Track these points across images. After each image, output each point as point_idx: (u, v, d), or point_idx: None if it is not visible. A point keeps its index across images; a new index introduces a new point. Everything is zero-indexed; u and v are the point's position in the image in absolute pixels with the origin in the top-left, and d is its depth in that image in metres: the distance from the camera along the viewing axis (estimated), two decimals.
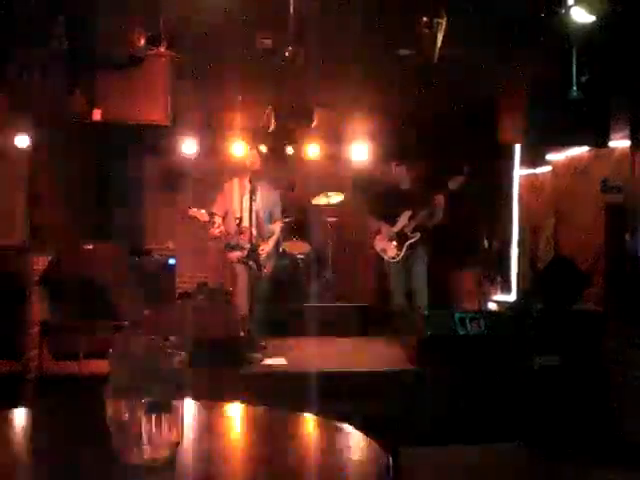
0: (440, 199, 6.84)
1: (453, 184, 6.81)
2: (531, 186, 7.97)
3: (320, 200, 8.87)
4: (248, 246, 6.23)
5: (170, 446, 1.56)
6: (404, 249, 7.02)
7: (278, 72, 5.93)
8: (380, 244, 7.19)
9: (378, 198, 7.43)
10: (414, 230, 6.99)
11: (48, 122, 5.83)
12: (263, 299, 6.53)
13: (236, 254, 6.35)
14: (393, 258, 7.08)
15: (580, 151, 6.92)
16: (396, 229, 7.05)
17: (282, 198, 6.95)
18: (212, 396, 2.20)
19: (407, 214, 7.02)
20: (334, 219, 8.94)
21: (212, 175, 9.48)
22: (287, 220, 8.21)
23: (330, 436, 1.92)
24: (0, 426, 1.99)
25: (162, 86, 5.78)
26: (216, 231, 6.20)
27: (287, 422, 2.07)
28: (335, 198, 8.91)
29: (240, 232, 6.28)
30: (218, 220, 6.22)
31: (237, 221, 6.29)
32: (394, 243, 7.05)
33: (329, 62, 6.34)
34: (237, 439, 1.94)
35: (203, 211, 6.21)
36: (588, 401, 5.41)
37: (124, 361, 1.58)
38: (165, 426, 1.54)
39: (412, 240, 7.00)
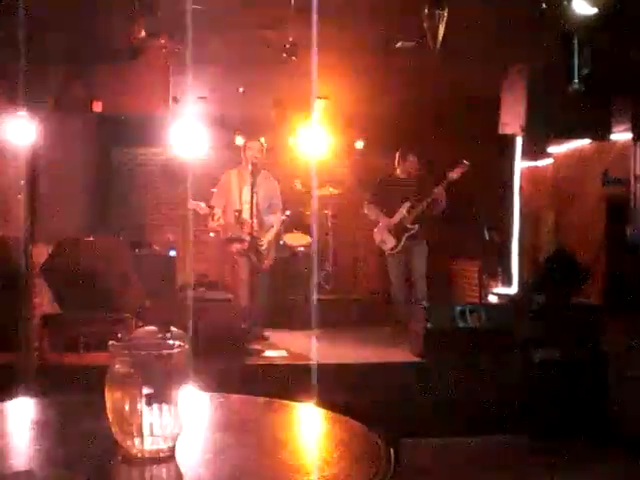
0: (440, 190, 6.83)
1: (453, 174, 6.81)
2: (532, 178, 7.96)
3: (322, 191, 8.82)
4: (248, 238, 6.22)
5: (171, 437, 1.56)
6: (403, 241, 7.02)
7: (279, 64, 5.91)
8: (379, 235, 7.19)
9: (378, 189, 7.42)
10: (413, 222, 6.99)
11: (49, 113, 5.82)
12: (264, 291, 6.53)
13: (236, 246, 6.35)
14: (392, 250, 7.08)
15: (582, 144, 6.92)
16: (395, 221, 7.04)
17: (282, 189, 6.94)
18: (213, 388, 2.20)
19: (406, 206, 7.02)
20: (334, 211, 8.94)
21: (213, 167, 9.50)
22: (288, 213, 8.21)
23: (331, 427, 1.92)
24: (0, 417, 1.99)
25: (162, 78, 5.76)
26: (215, 224, 6.19)
27: (288, 414, 2.07)
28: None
29: (240, 224, 6.26)
30: (218, 212, 6.20)
31: (236, 213, 6.27)
32: (393, 235, 7.05)
33: (330, 54, 6.33)
34: (237, 430, 1.94)
35: (202, 204, 6.20)
36: (587, 394, 5.41)
37: (124, 353, 1.58)
38: (166, 417, 1.54)
39: (411, 232, 6.99)
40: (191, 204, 6.21)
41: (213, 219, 6.16)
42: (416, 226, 6.99)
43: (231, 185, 6.44)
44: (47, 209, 6.11)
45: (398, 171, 7.28)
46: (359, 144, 9.66)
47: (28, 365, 5.12)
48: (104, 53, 5.52)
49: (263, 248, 6.34)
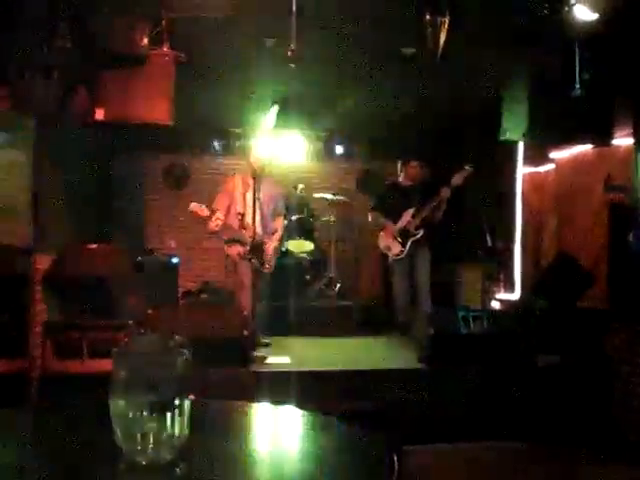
0: (446, 191, 6.84)
1: (456, 180, 6.82)
2: (534, 184, 7.96)
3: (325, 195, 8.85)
4: (250, 241, 6.23)
5: (174, 445, 1.56)
6: (407, 247, 7.02)
7: (281, 70, 5.93)
8: (384, 241, 7.19)
9: (382, 195, 7.43)
10: (417, 227, 7.00)
11: (51, 121, 5.83)
12: (266, 298, 6.54)
13: (237, 249, 6.35)
14: (397, 256, 7.09)
15: (584, 149, 6.91)
16: (400, 226, 7.05)
17: (286, 196, 6.97)
18: (215, 395, 2.20)
19: (410, 211, 7.02)
20: (337, 217, 8.94)
21: (215, 173, 9.52)
22: (293, 218, 8.23)
23: (334, 433, 1.92)
24: (3, 425, 1.99)
25: (165, 85, 5.77)
26: (214, 225, 6.19)
27: (291, 420, 2.07)
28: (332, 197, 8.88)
29: (243, 228, 6.28)
30: (219, 215, 6.22)
31: (239, 217, 6.30)
32: (398, 240, 7.05)
33: (332, 61, 6.35)
34: (240, 437, 1.94)
35: (203, 206, 6.22)
36: (591, 399, 5.40)
37: (127, 360, 1.58)
38: (169, 425, 1.54)
39: (415, 237, 7.00)
40: (193, 206, 6.23)
41: (212, 220, 6.17)
42: (421, 231, 6.99)
43: (235, 190, 6.47)
44: (50, 217, 6.12)
45: (401, 177, 7.29)
46: (362, 150, 9.68)
47: (31, 373, 5.12)
48: (107, 60, 5.53)
49: (265, 252, 6.36)
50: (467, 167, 6.83)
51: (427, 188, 7.05)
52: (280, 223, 6.69)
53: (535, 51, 5.52)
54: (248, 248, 6.25)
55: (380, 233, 7.25)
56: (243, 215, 6.28)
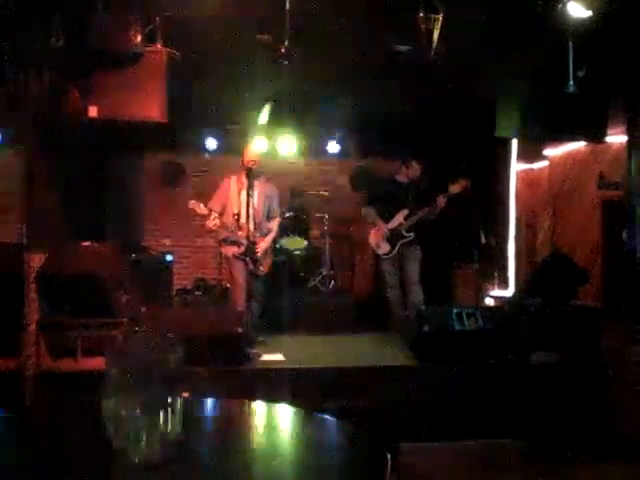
0: (442, 201, 6.81)
1: (454, 189, 6.78)
2: (528, 181, 7.97)
3: None
4: (245, 242, 6.23)
5: (168, 444, 1.56)
6: (397, 247, 7.01)
7: (275, 68, 5.92)
8: (374, 239, 7.18)
9: (377, 191, 7.41)
10: (409, 229, 6.98)
11: (44, 119, 5.81)
12: (261, 296, 6.53)
13: (232, 249, 6.36)
14: (386, 255, 7.08)
15: (577, 146, 6.93)
16: (391, 226, 7.03)
17: (280, 194, 6.95)
18: (210, 392, 2.20)
19: (404, 212, 7.01)
20: (331, 214, 8.93)
21: (210, 171, 9.50)
22: (287, 216, 8.21)
23: (329, 432, 1.92)
24: None
25: (159, 83, 5.75)
26: (212, 224, 6.20)
27: (286, 418, 2.07)
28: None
29: (238, 228, 6.27)
30: (215, 215, 6.23)
31: (235, 217, 6.29)
32: (388, 240, 7.04)
33: (326, 58, 6.33)
34: (235, 435, 1.94)
35: (202, 205, 6.23)
36: (586, 397, 5.42)
37: (122, 358, 1.58)
38: (162, 423, 1.54)
39: (406, 239, 6.99)
40: (191, 203, 6.24)
41: (210, 219, 6.19)
42: (412, 234, 6.98)
43: (230, 189, 6.46)
44: (43, 214, 6.10)
45: (399, 175, 7.25)
46: (356, 148, 9.66)
47: (25, 371, 5.11)
48: (100, 58, 5.52)
49: (259, 253, 6.34)
50: (466, 179, 6.80)
51: (423, 192, 7.01)
52: (276, 223, 6.68)
53: (529, 48, 5.52)
54: (243, 249, 6.26)
55: (372, 230, 7.24)
56: (239, 215, 6.27)
